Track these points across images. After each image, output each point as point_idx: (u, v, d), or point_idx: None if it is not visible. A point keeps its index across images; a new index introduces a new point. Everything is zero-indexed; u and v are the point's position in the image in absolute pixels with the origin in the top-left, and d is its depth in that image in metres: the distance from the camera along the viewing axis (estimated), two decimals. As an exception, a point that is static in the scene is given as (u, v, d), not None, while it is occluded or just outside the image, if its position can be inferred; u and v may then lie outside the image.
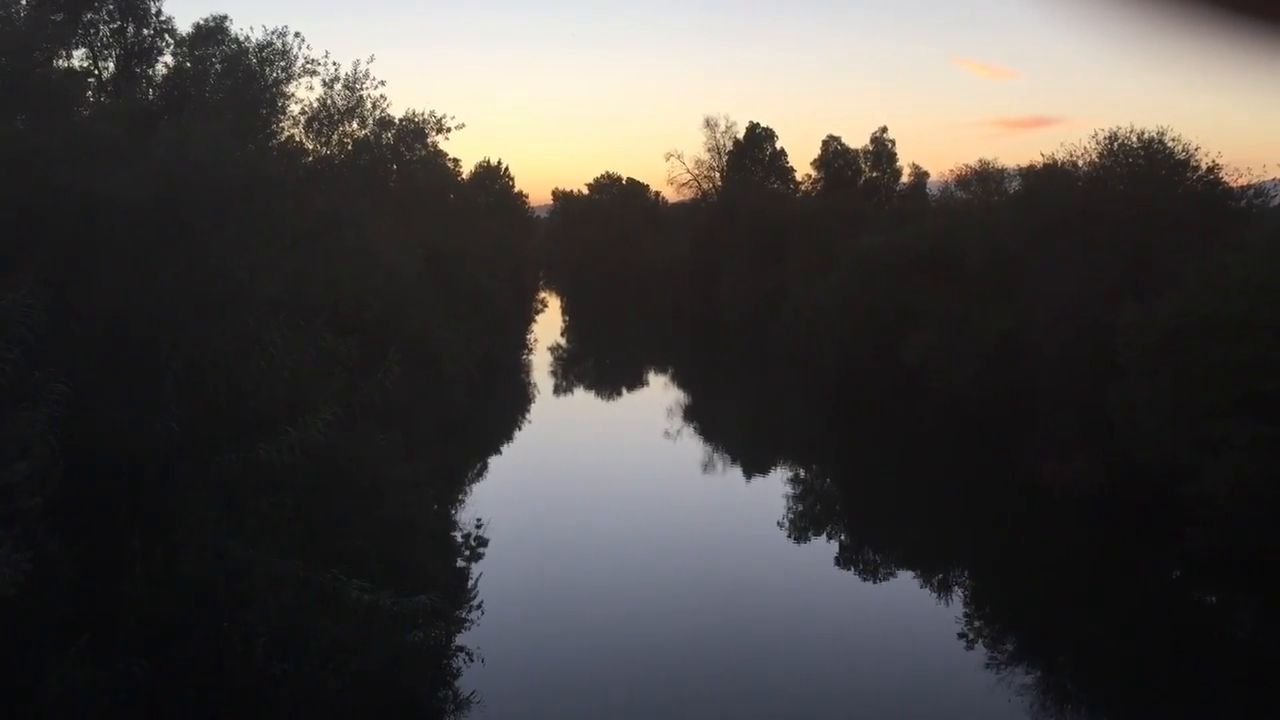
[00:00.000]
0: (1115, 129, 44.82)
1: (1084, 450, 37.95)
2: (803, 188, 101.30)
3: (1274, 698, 24.73)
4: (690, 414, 64.49)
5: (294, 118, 38.77)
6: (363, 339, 22.29)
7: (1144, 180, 43.06)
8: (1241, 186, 43.32)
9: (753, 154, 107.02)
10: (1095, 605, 31.10)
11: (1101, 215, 41.62)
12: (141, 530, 16.80)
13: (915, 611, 31.37)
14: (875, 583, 34.91)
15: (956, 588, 33.71)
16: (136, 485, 17.11)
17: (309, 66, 37.45)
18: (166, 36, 34.80)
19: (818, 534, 40.17)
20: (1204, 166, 43.18)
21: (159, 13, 34.33)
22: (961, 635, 28.79)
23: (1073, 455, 38.47)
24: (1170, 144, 43.54)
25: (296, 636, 16.69)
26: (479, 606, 27.58)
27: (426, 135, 45.89)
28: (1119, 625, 29.48)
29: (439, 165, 64.59)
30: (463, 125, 48.99)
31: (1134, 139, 44.19)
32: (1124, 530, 35.16)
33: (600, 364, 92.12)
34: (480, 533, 33.72)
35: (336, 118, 40.16)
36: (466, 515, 36.90)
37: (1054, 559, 35.10)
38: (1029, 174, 51.66)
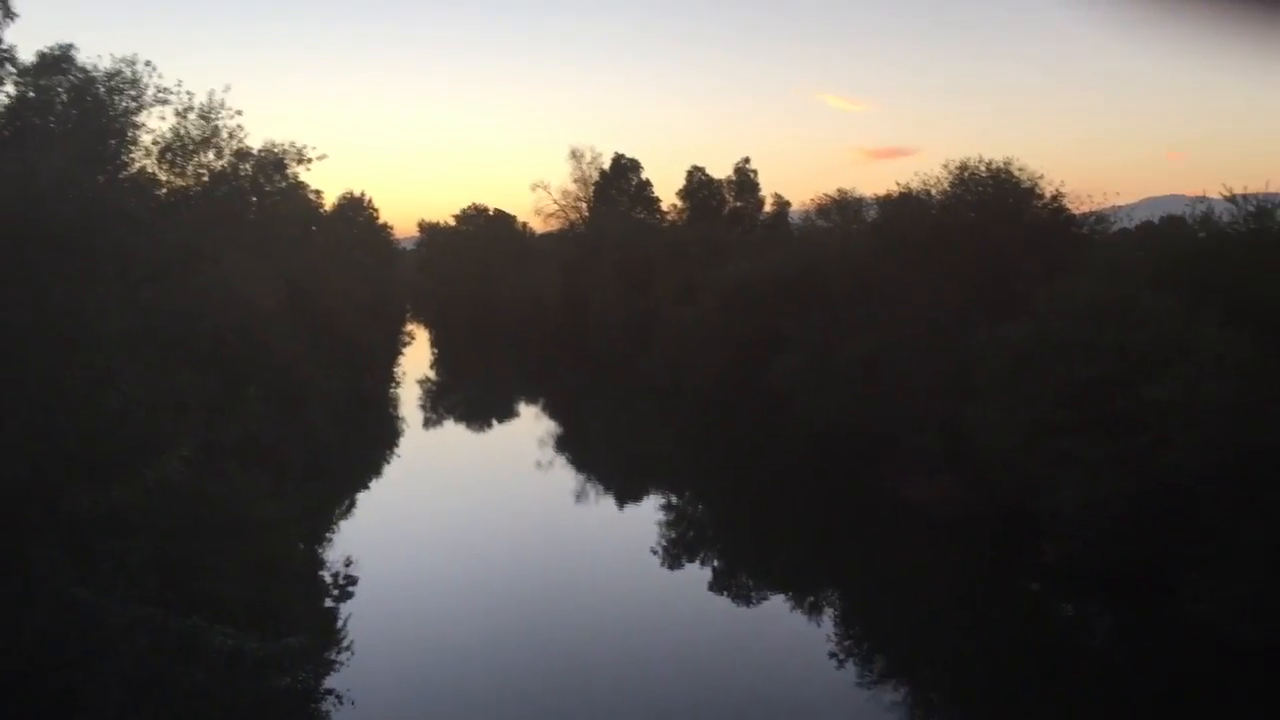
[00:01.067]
0: (966, 159, 46.67)
1: (945, 470, 39.13)
2: (669, 217, 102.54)
3: (1124, 704, 25.80)
4: (561, 444, 64.35)
5: (146, 148, 37.40)
6: (222, 375, 21.66)
7: (993, 208, 44.84)
8: (1083, 214, 45.43)
9: (619, 184, 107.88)
10: (959, 620, 31.97)
11: (954, 242, 43.16)
12: (-15, 581, 15.91)
13: (788, 633, 31.77)
14: (748, 606, 35.22)
15: (827, 608, 34.28)
16: (-21, 533, 16.22)
17: (161, 95, 36.22)
18: (8, 65, 33.30)
19: (691, 560, 40.41)
20: (1048, 194, 45.22)
21: (0, 41, 32.87)
22: (833, 655, 29.25)
23: (935, 475, 39.63)
24: (1017, 173, 45.49)
25: (155, 686, 16.00)
26: (349, 647, 26.87)
27: (286, 166, 44.83)
28: (982, 639, 30.37)
29: (300, 197, 63.27)
30: (324, 156, 48.09)
31: (983, 169, 46.02)
32: (985, 547, 36.28)
33: (470, 396, 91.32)
34: (349, 571, 33.11)
35: (191, 148, 38.91)
36: (335, 554, 36.13)
37: (920, 576, 35.99)
38: (885, 203, 53.29)
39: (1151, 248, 39.03)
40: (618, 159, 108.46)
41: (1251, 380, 27.18)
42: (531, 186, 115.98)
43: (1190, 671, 26.59)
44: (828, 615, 33.51)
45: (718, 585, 36.83)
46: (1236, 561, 25.94)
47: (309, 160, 44.94)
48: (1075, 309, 34.16)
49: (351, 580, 32.73)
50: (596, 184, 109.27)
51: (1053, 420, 32.34)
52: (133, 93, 35.02)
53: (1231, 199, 35.20)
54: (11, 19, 32.41)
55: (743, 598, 36.22)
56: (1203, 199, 39.19)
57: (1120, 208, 50.30)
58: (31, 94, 32.96)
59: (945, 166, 47.45)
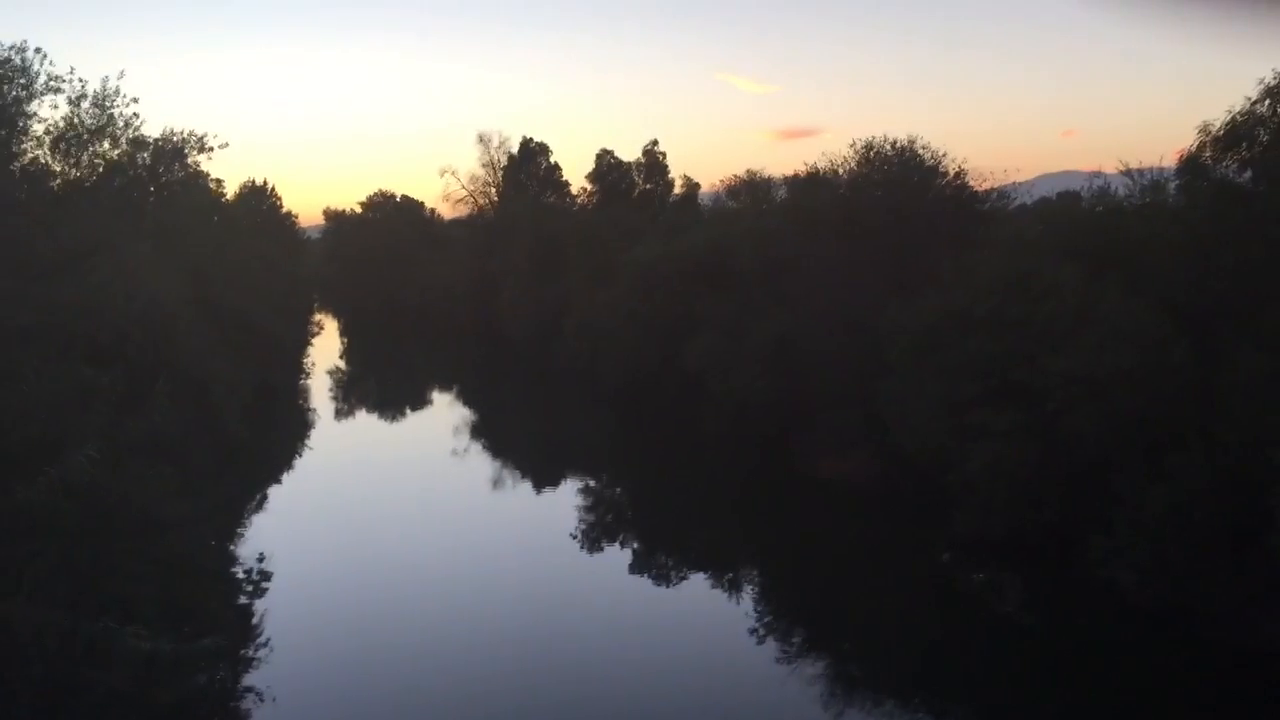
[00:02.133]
0: (871, 138, 47.25)
1: (859, 445, 39.72)
2: (579, 201, 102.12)
3: (1034, 664, 26.57)
4: (477, 431, 63.89)
5: (38, 138, 36.29)
6: (127, 370, 21.03)
7: (899, 186, 45.52)
8: (985, 190, 46.38)
9: (528, 168, 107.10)
10: (875, 591, 32.55)
11: (863, 220, 43.74)
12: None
13: (709, 611, 32.03)
14: (669, 586, 35.43)
15: (745, 585, 34.60)
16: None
17: (53, 83, 35.18)
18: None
19: (611, 542, 40.49)
20: (952, 172, 46.06)
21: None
22: (753, 631, 29.55)
23: (849, 450, 40.21)
24: (920, 151, 46.24)
25: (67, 692, 15.55)
26: (267, 644, 26.46)
27: (186, 155, 43.76)
28: (897, 608, 30.97)
29: (201, 186, 61.75)
30: (226, 144, 46.98)
31: (888, 147, 46.67)
32: (899, 518, 36.94)
33: (382, 385, 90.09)
34: (263, 567, 32.51)
35: (85, 137, 37.77)
36: (248, 550, 35.44)
37: (835, 550, 36.53)
38: (794, 182, 53.73)
39: (1050, 222, 40.03)
40: (526, 143, 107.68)
41: (1149, 350, 28.05)
42: (440, 172, 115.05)
43: (1095, 632, 27.48)
44: (747, 592, 33.84)
45: (637, 566, 36.97)
46: (1136, 525, 26.83)
47: (210, 149, 43.93)
48: (980, 283, 34.89)
49: (265, 576, 32.16)
50: (505, 169, 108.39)
51: (962, 393, 33.02)
52: (23, 80, 33.97)
53: (1127, 173, 36.26)
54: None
55: (662, 577, 36.41)
56: (1098, 174, 40.31)
57: (1019, 184, 51.49)
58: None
59: (852, 146, 48.05)
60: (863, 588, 32.99)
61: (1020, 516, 30.56)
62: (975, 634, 29.03)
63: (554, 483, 50.66)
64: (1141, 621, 26.47)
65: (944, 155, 46.28)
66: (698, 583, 35.24)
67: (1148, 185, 35.20)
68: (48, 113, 36.76)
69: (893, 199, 44.77)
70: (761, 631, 29.76)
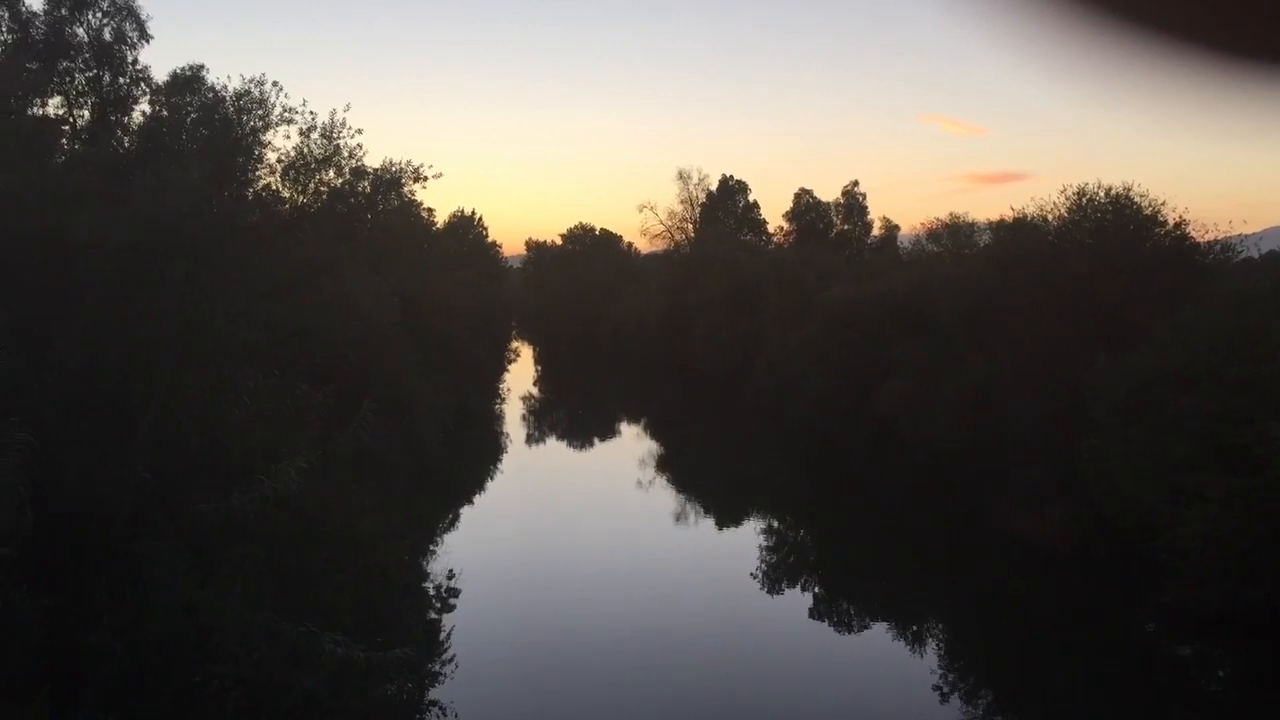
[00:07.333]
0: (1083, 185, 45.35)
1: (1058, 503, 38.03)
2: (775, 239, 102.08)
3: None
4: (663, 464, 64.32)
5: (271, 166, 38.78)
6: (338, 388, 22.13)
7: (1112, 235, 43.57)
8: (1208, 242, 43.87)
9: (725, 205, 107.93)
10: (1070, 658, 31.02)
11: (1071, 269, 42.05)
12: (109, 581, 16.48)
13: (890, 664, 31.21)
14: (850, 634, 34.75)
15: (931, 640, 33.56)
16: (105, 535, 16.82)
17: (286, 115, 37.53)
18: (142, 85, 34.96)
19: (792, 585, 40.02)
20: (1171, 222, 43.73)
21: (135, 61, 34.50)
22: (936, 688, 28.63)
23: (1047, 508, 38.53)
24: (1137, 200, 44.11)
25: (269, 691, 16.38)
26: (451, 659, 27.19)
27: (403, 184, 45.85)
28: (1093, 678, 29.41)
29: (414, 214, 64.56)
30: (440, 174, 49.07)
31: (1102, 194, 44.72)
32: (1098, 583, 35.20)
33: (573, 414, 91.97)
34: (452, 584, 33.49)
35: (313, 166, 40.14)
36: (438, 566, 36.61)
37: (1028, 612, 35.05)
38: (999, 228, 52.20)
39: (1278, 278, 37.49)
40: (725, 180, 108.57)
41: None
42: (638, 207, 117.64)
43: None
44: (931, 648, 32.79)
45: (819, 612, 36.38)
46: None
47: (425, 178, 45.84)
48: (1199, 339, 33.01)
49: (454, 593, 33.09)
50: (703, 205, 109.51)
51: (1174, 454, 31.25)
52: (260, 112, 36.35)
53: (1368, 228, 33.73)
54: (147, 41, 34.02)
55: (844, 625, 35.75)
56: (1337, 228, 37.52)
57: (1245, 236, 48.42)
58: (164, 113, 34.43)
59: (1062, 192, 46.23)
60: (1057, 653, 31.49)
61: (1235, 589, 28.57)
62: (1177, 711, 27.28)
63: (736, 521, 50.47)
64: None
65: (1162, 204, 44.04)
66: (879, 633, 34.42)
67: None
68: (280, 142, 39.24)
69: (1105, 248, 42.88)
70: (945, 689, 28.78)
